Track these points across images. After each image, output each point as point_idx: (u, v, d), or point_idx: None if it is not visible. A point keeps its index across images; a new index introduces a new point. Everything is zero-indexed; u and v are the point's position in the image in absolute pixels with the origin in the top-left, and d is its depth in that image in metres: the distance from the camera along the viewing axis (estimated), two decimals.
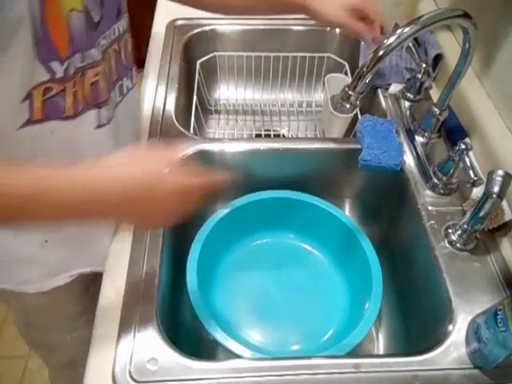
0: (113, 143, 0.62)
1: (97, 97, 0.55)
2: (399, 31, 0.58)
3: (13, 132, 0.50)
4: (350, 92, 0.61)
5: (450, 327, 0.58)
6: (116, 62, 0.59)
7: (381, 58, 0.58)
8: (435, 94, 0.85)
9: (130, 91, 0.66)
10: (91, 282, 0.73)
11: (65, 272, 0.70)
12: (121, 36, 0.59)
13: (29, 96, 0.48)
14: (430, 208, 0.70)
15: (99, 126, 0.57)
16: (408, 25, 0.58)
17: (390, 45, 0.58)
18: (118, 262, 0.63)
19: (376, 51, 0.58)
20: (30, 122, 0.50)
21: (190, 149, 0.76)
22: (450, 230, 0.66)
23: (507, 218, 0.63)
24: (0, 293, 0.72)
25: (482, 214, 0.60)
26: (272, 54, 1.02)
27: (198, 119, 0.93)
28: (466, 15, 0.60)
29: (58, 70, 0.48)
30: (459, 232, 0.65)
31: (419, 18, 0.58)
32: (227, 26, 1.02)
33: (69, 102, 0.51)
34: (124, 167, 0.45)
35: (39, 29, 0.44)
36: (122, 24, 0.59)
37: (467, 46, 0.63)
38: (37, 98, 0.48)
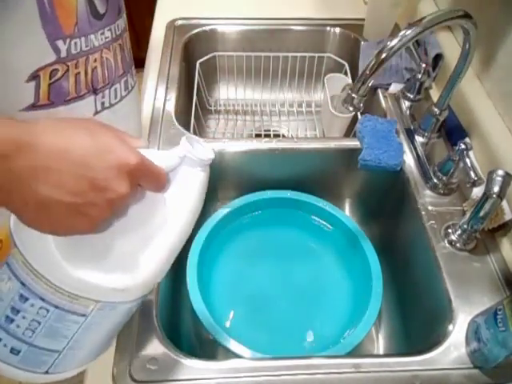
0: None
1: (96, 82, 0.56)
2: (401, 34, 0.57)
3: (15, 113, 0.49)
4: (354, 95, 0.60)
5: (450, 327, 0.58)
6: (121, 57, 0.61)
7: (383, 60, 0.58)
8: (435, 94, 0.85)
9: (133, 89, 0.68)
10: None
11: None
12: (122, 33, 0.61)
13: (35, 77, 0.48)
14: (430, 208, 0.70)
15: (97, 113, 0.58)
16: (410, 27, 0.57)
17: (392, 47, 0.58)
18: None
19: (378, 54, 0.58)
20: (35, 106, 0.50)
21: None
22: (449, 230, 0.66)
23: (507, 217, 0.63)
24: None
25: (482, 214, 0.60)
26: (272, 54, 1.02)
27: (197, 119, 0.93)
28: (466, 15, 0.59)
29: (62, 48, 0.49)
30: (459, 232, 0.65)
31: (421, 20, 0.58)
32: (227, 25, 1.02)
33: (71, 82, 0.52)
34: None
35: (46, 2, 0.45)
36: (123, 22, 0.61)
37: (467, 46, 0.63)
38: (44, 81, 0.49)
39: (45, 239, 0.37)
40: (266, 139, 0.79)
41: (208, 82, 1.05)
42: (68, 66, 0.51)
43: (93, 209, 0.35)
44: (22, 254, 0.38)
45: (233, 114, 1.09)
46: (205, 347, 0.71)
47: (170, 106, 0.83)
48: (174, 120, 0.81)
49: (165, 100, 0.84)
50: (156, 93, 0.86)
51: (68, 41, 0.50)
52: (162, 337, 0.56)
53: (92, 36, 0.54)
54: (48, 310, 0.39)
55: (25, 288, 0.38)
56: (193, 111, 0.90)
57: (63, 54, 0.50)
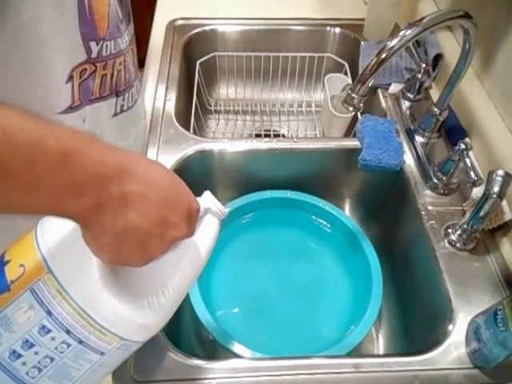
0: (122, 135, 0.65)
1: (119, 85, 0.58)
2: (401, 33, 0.57)
3: (52, 118, 0.48)
4: (354, 95, 0.60)
5: (450, 327, 0.58)
6: (133, 61, 0.63)
7: (383, 60, 0.58)
8: (435, 94, 0.85)
9: (140, 92, 0.69)
10: None
11: None
12: (132, 38, 0.63)
13: (71, 78, 0.49)
14: (430, 208, 0.70)
15: (115, 115, 0.60)
16: (410, 27, 0.57)
17: (392, 47, 0.57)
18: None
19: (378, 54, 0.58)
20: (72, 108, 0.51)
21: (190, 149, 0.76)
22: (449, 230, 0.66)
23: (507, 217, 0.63)
24: None
25: (482, 213, 0.60)
26: (272, 54, 1.02)
27: (197, 119, 0.93)
28: (466, 15, 0.59)
29: (94, 49, 0.50)
30: (459, 232, 0.65)
31: (421, 20, 0.58)
32: (227, 25, 1.02)
33: (97, 83, 0.53)
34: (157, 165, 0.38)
35: (86, 3, 0.46)
36: (132, 27, 0.63)
37: (467, 46, 0.63)
38: (76, 80, 0.50)
39: (90, 267, 0.36)
40: (266, 139, 0.79)
41: (208, 82, 1.05)
42: (96, 67, 0.52)
43: (157, 242, 0.36)
44: (58, 280, 0.35)
45: (233, 114, 1.09)
46: (205, 347, 0.71)
47: (170, 106, 0.83)
48: (174, 120, 0.81)
49: (165, 100, 0.84)
50: (156, 93, 0.86)
51: (101, 43, 0.51)
52: (162, 337, 0.56)
53: (119, 40, 0.55)
54: (69, 345, 0.36)
55: (51, 318, 0.35)
56: (193, 111, 0.90)
57: (94, 54, 0.51)
